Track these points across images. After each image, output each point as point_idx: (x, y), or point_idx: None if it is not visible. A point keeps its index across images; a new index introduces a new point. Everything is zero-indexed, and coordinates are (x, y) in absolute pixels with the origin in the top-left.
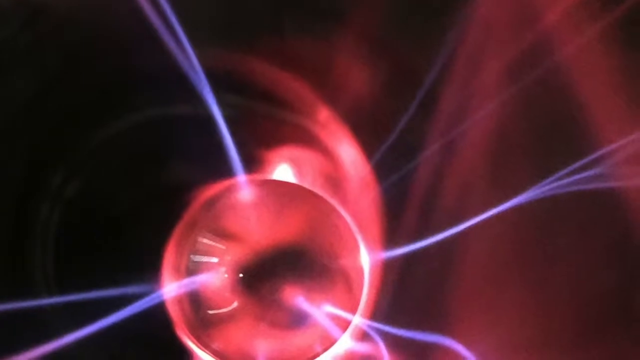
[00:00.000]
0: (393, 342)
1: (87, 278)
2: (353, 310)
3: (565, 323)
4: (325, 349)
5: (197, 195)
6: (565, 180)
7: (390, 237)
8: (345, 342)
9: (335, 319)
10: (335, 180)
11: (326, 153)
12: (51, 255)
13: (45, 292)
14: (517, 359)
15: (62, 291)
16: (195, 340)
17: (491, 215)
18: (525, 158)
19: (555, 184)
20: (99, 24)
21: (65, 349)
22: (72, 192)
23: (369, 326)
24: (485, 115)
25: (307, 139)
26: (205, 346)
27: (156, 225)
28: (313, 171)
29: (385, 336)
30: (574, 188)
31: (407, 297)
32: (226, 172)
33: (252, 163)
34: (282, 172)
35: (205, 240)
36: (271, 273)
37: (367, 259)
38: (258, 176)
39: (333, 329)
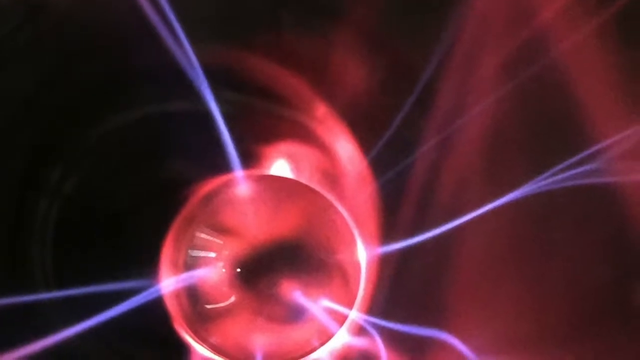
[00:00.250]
0: (390, 337)
1: (85, 273)
2: (350, 305)
3: (561, 317)
4: (323, 344)
5: (195, 190)
6: (561, 176)
7: (387, 232)
8: (342, 337)
9: (332, 313)
10: (332, 175)
11: (323, 149)
12: (50, 251)
13: (44, 287)
14: (514, 353)
15: (61, 286)
16: (193, 335)
17: (487, 210)
18: (521, 154)
19: (551, 179)
20: (97, 21)
21: (64, 343)
22: (70, 188)
23: (366, 321)
24: (482, 111)
25: (304, 135)
26: (203, 340)
27: (154, 221)
28: (310, 167)
29: (381, 330)
30: (570, 183)
31: (404, 291)
32: (224, 167)
33: (249, 159)
34: (280, 167)
35: (203, 235)
36: (268, 268)
37: (364, 254)
38: (255, 172)
39: (330, 324)
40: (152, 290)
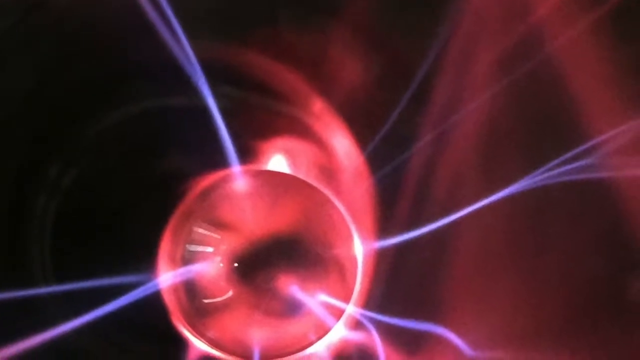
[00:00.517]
0: (386, 331)
1: (84, 267)
2: (347, 299)
3: (556, 311)
4: (319, 338)
5: (192, 185)
6: (555, 171)
7: (384, 227)
8: (339, 331)
9: (329, 307)
10: (329, 171)
11: (320, 144)
12: (49, 245)
13: (43, 282)
14: (509, 347)
15: (60, 280)
16: (190, 329)
17: (483, 205)
18: (517, 149)
19: (546, 175)
20: (96, 17)
21: (63, 337)
22: (69, 183)
23: (363, 315)
24: (477, 107)
25: (301, 130)
26: (201, 334)
27: (152, 215)
28: (307, 162)
29: (378, 325)
30: (565, 178)
31: (400, 286)
32: (221, 162)
33: (247, 154)
34: (277, 162)
35: (200, 230)
36: (266, 262)
37: (360, 249)
38: (253, 167)
39: (327, 318)
40: (150, 284)
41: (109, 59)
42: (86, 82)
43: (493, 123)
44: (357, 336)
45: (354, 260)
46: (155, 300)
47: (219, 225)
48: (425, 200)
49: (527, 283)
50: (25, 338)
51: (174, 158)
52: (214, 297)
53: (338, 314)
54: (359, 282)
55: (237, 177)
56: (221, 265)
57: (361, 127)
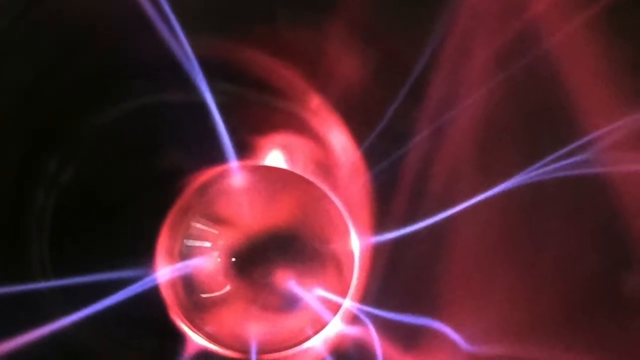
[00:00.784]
0: (383, 325)
1: (82, 262)
2: (344, 294)
3: (551, 306)
4: (316, 332)
5: (190, 181)
6: (552, 166)
7: (380, 222)
8: (336, 325)
9: (326, 302)
10: (326, 166)
11: (317, 140)
12: (47, 240)
13: (42, 276)
14: (505, 342)
15: (58, 275)
16: (188, 323)
17: (479, 200)
18: (513, 144)
19: (542, 170)
20: (94, 13)
21: (61, 332)
22: (67, 179)
23: (359, 309)
24: (474, 102)
25: (298, 126)
26: (199, 329)
27: (150, 211)
28: (304, 157)
29: (375, 319)
30: (561, 174)
31: (397, 281)
32: (219, 158)
33: (244, 149)
34: (274, 158)
35: (198, 225)
36: (263, 257)
37: (357, 244)
38: (250, 162)
39: (324, 313)
40: (148, 279)
41: (107, 56)
42: (84, 78)
43: (489, 118)
44: (354, 331)
45: (351, 255)
46: (153, 295)
47: (216, 220)
48: (422, 195)
49: (523, 278)
50: (24, 332)
51: (172, 154)
52: (212, 291)
53: (335, 308)
54: (356, 277)
55: (235, 173)
56: (219, 260)
57: (358, 122)
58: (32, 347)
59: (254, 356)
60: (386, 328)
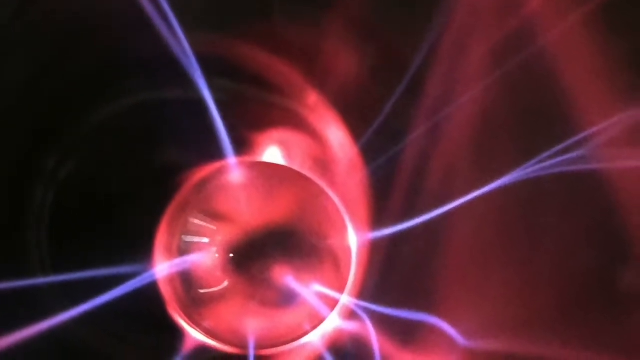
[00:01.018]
0: (380, 321)
1: (81, 258)
2: (341, 290)
3: (548, 302)
4: (314, 327)
5: (188, 177)
6: (548, 162)
7: (377, 218)
8: (334, 321)
9: (324, 298)
10: (323, 162)
11: (315, 136)
12: (46, 236)
13: (41, 272)
14: (501, 337)
15: (57, 271)
16: (186, 319)
17: (476, 196)
18: (509, 141)
19: (538, 166)
20: (92, 10)
21: (60, 327)
22: (66, 175)
23: (357, 305)
24: (470, 99)
25: (296, 123)
26: (197, 324)
27: (148, 207)
28: (302, 154)
29: (372, 315)
30: (557, 170)
31: (394, 276)
32: (217, 154)
33: (242, 145)
34: (272, 154)
35: (196, 221)
36: (261, 253)
37: (354, 239)
38: (248, 158)
39: (321, 308)
40: (146, 275)
41: (105, 53)
42: (83, 75)
43: (486, 115)
44: (351, 326)
45: (348, 250)
46: (151, 291)
47: (214, 216)
48: (419, 191)
49: (520, 273)
50: (23, 328)
51: (170, 150)
52: (210, 287)
53: (332, 304)
54: (353, 273)
55: (233, 169)
56: (217, 255)
57: (355, 119)
58: (31, 342)
59: (251, 351)
60: (383, 323)
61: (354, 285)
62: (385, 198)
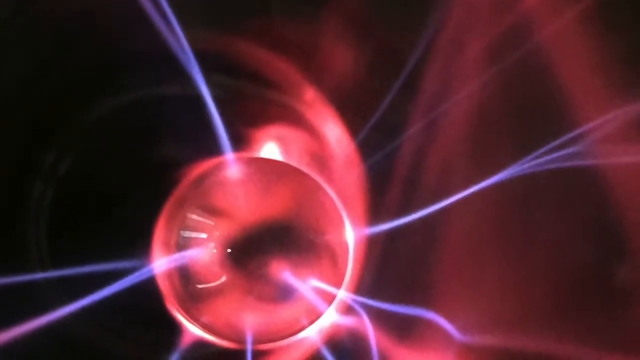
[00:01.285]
0: (377, 316)
1: (79, 253)
2: (338, 285)
3: (544, 297)
4: (311, 322)
5: (186, 172)
6: (544, 158)
7: (375, 214)
8: (331, 316)
9: (321, 293)
10: (320, 158)
11: (312, 132)
12: (45, 231)
13: (39, 267)
14: (497, 332)
15: (56, 266)
16: (184, 314)
17: (472, 192)
18: (506, 136)
19: (534, 162)
20: (90, 6)
21: (59, 322)
22: (64, 170)
23: (354, 300)
24: (467, 95)
25: (293, 118)
26: (195, 319)
27: (146, 202)
28: (299, 149)
29: (369, 310)
30: (553, 166)
31: (391, 271)
32: (215, 150)
33: (240, 141)
34: (269, 150)
35: (194, 217)
36: (258, 248)
37: (351, 235)
38: (246, 154)
39: (319, 303)
40: (144, 270)
41: (104, 49)
42: (82, 71)
43: (482, 111)
44: (348, 321)
45: (345, 246)
46: (149, 286)
47: (212, 211)
48: (416, 187)
49: (516, 269)
50: (21, 323)
51: (168, 146)
52: (208, 282)
53: (329, 299)
54: (350, 268)
55: (230, 165)
56: (214, 251)
57: (352, 115)
58: (30, 337)
59: (249, 346)
60: (380, 318)
61: (351, 280)
62: (382, 193)
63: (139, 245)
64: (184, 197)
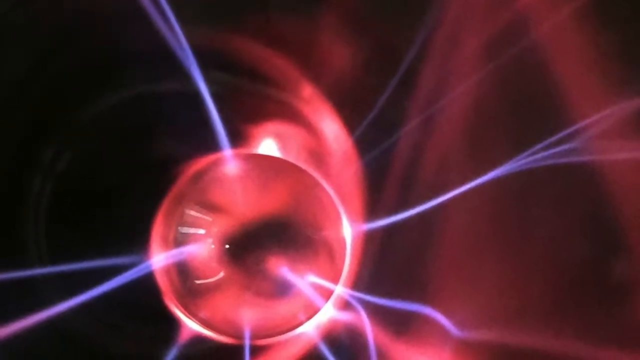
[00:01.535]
0: (374, 311)
1: (78, 249)
2: (335, 280)
3: (540, 292)
4: (309, 318)
5: (184, 169)
6: (540, 154)
7: (372, 210)
8: (328, 311)
9: (319, 288)
10: (318, 154)
11: (310, 128)
12: (43, 227)
13: (38, 263)
14: (495, 327)
15: (54, 262)
16: (182, 309)
17: (469, 188)
18: (502, 133)
19: (531, 158)
20: (89, 3)
21: (57, 317)
22: (63, 166)
23: (351, 295)
24: (464, 91)
25: (291, 115)
26: (193, 315)
27: (145, 198)
28: (297, 146)
29: (366, 305)
30: (549, 162)
31: (388, 267)
32: (213, 146)
33: (237, 138)
34: (267, 146)
35: (192, 213)
36: (256, 244)
37: (349, 231)
38: (244, 150)
39: (316, 299)
40: (143, 266)
41: (102, 45)
42: (81, 67)
43: (479, 108)
44: (345, 316)
45: (342, 242)
46: (148, 281)
47: (210, 207)
48: (413, 183)
49: (513, 265)
50: (20, 318)
51: (166, 142)
52: (206, 278)
53: (327, 294)
54: (348, 264)
55: (228, 161)
56: (212, 247)
57: (350, 111)
58: (29, 332)
59: (247, 341)
60: (377, 314)
61: (349, 276)
62: (379, 190)
63: (137, 241)
64: (182, 193)
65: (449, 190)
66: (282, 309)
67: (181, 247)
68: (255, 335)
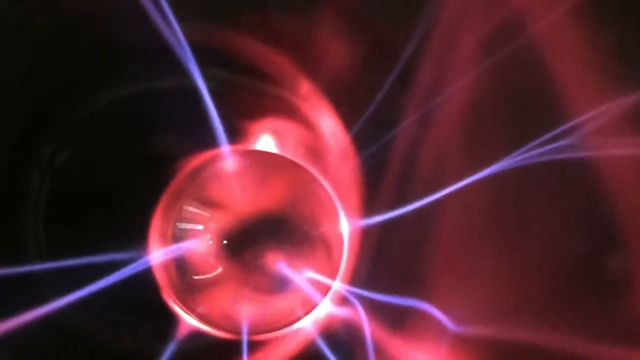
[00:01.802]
0: (371, 307)
1: (77, 244)
2: (333, 276)
3: (537, 288)
4: (306, 313)
5: (182, 165)
6: (537, 151)
7: (369, 206)
8: (326, 307)
9: (316, 284)
10: (315, 150)
11: (307, 124)
12: (42, 223)
13: (37, 258)
14: (491, 323)
15: (53, 257)
16: (181, 305)
17: (466, 184)
18: (499, 129)
19: (527, 154)
20: (88, 0)
21: (56, 313)
22: (62, 162)
23: (349, 291)
24: (461, 88)
25: (288, 111)
26: (191, 310)
27: (143, 194)
28: (294, 142)
29: (364, 301)
30: (546, 158)
31: (385, 263)
32: (211, 142)
33: (235, 134)
34: (265, 142)
35: (190, 209)
36: (254, 240)
37: (346, 227)
38: (241, 147)
39: (314, 294)
40: (141, 261)
41: (101, 42)
42: (80, 64)
43: (476, 104)
44: (343, 312)
45: (340, 237)
46: (146, 277)
47: (208, 203)
48: (410, 179)
49: (509, 260)
50: (19, 314)
51: (164, 138)
52: (204, 273)
53: (324, 290)
54: (345, 259)
55: (226, 157)
56: (211, 242)
57: (347, 108)
58: (28, 328)
59: (245, 337)
60: (374, 309)
61: (346, 271)
62: (376, 186)
63: (136, 236)
64: (181, 189)
65: (445, 186)
66: (279, 304)
67: (179, 242)
68: (253, 331)
